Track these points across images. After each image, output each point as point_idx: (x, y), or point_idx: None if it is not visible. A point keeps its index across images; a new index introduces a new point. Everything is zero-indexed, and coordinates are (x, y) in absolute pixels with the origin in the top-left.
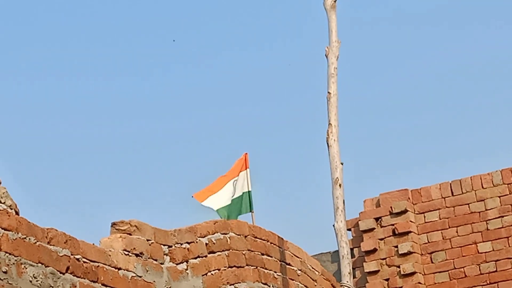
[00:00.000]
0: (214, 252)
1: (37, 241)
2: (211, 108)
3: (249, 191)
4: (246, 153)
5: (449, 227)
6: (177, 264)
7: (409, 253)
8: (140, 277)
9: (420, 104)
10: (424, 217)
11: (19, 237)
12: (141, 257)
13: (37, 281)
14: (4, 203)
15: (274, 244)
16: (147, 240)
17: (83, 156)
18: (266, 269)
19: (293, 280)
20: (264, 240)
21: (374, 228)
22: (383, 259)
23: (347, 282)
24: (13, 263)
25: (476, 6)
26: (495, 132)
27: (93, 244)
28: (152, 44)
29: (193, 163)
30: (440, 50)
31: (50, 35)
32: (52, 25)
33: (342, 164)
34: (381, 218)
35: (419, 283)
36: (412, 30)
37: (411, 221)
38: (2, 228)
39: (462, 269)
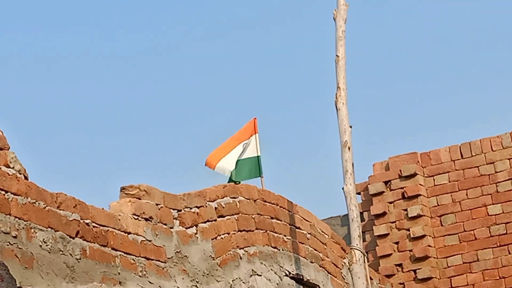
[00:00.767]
0: (223, 216)
1: (47, 206)
2: (220, 73)
3: (258, 156)
4: (255, 118)
5: (459, 190)
6: (186, 228)
7: (419, 216)
8: (150, 241)
9: (428, 67)
10: (434, 180)
11: (29, 202)
12: (151, 221)
13: (47, 245)
14: (13, 168)
15: (283, 208)
16: (157, 204)
17: (92, 122)
18: (275, 233)
19: (302, 243)
20: (273, 204)
21: (383, 192)
22: (392, 222)
23: (357, 245)
24: (23, 228)
25: None
26: (505, 95)
27: (103, 208)
28: (167, 4)
29: (202, 129)
30: (450, 11)
31: None
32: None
33: (351, 127)
34: (390, 181)
35: (429, 246)
36: None
37: (420, 184)
38: (12, 193)
39: (472, 231)
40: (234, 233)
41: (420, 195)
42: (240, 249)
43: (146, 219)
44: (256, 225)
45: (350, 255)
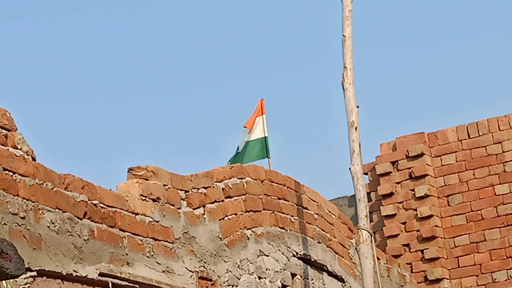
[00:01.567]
0: (230, 197)
1: (54, 187)
2: (226, 52)
3: (265, 137)
4: (262, 99)
5: (466, 170)
6: (194, 209)
7: (426, 196)
8: (157, 222)
9: (436, 47)
10: (441, 160)
11: (36, 183)
12: (158, 202)
13: (54, 226)
14: (20, 149)
15: (290, 189)
16: (164, 185)
17: (100, 102)
18: (283, 213)
19: (310, 224)
20: (280, 184)
21: (390, 172)
22: (399, 202)
23: (364, 225)
24: (31, 209)
25: None
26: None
27: (110, 189)
28: None
29: (208, 109)
30: None
31: None
32: None
33: (357, 107)
34: (397, 161)
35: (436, 226)
36: None
37: (427, 164)
38: (19, 174)
39: (479, 211)
40: (242, 214)
41: (427, 175)
42: (247, 229)
43: (154, 200)
44: (263, 206)
45: (357, 235)
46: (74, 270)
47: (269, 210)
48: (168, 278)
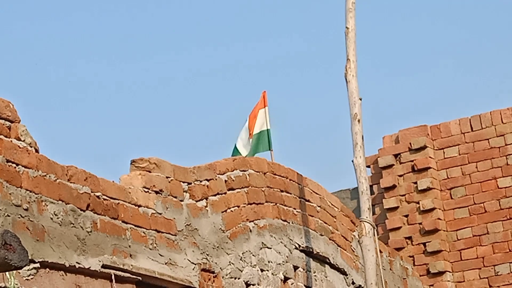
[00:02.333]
0: (233, 189)
1: (57, 179)
2: (229, 45)
3: (268, 129)
4: (265, 91)
5: (469, 163)
6: (196, 201)
7: (429, 189)
8: (160, 214)
9: (439, 39)
10: (444, 153)
11: (40, 175)
12: (161, 194)
13: (58, 218)
14: (24, 140)
15: (293, 181)
16: (167, 177)
17: (102, 95)
18: (285, 205)
19: (312, 216)
20: (283, 177)
21: (393, 165)
22: (402, 195)
23: (367, 217)
24: (34, 201)
25: None
26: None
27: (113, 181)
28: None
29: (211, 102)
30: None
31: None
32: None
33: (360, 99)
34: (400, 154)
35: (439, 219)
36: None
37: (430, 157)
38: (23, 166)
39: (482, 204)
40: (244, 206)
41: (430, 168)
42: (250, 222)
43: (157, 192)
44: (266, 198)
45: (360, 228)
46: (77, 262)
47: (271, 203)
48: (171, 270)
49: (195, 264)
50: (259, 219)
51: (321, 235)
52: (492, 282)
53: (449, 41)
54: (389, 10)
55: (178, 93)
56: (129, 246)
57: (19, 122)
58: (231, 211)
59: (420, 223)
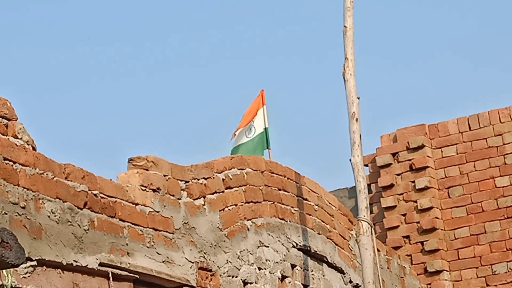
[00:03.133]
0: (231, 188)
1: (55, 177)
2: (228, 39)
3: (265, 128)
4: (263, 90)
5: (467, 162)
6: (194, 199)
7: (426, 188)
8: (158, 212)
9: (436, 38)
10: (441, 152)
11: (37, 173)
12: (158, 192)
13: (55, 216)
14: (21, 138)
15: (290, 180)
16: (164, 175)
17: (101, 92)
18: (283, 204)
19: (310, 215)
20: (280, 175)
21: (391, 164)
22: (400, 194)
23: (364, 216)
24: (31, 198)
25: None
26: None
27: (110, 179)
28: None
29: (209, 99)
30: None
31: None
32: None
33: (358, 98)
34: (398, 153)
35: (436, 218)
36: None
37: (428, 156)
38: (20, 164)
39: (480, 203)
40: (242, 205)
41: (427, 167)
42: (247, 220)
43: (154, 190)
44: (263, 197)
45: (358, 227)
46: (74, 260)
47: (269, 201)
48: (168, 268)
49: (193, 263)
50: (257, 218)
51: (319, 233)
52: (490, 281)
53: (448, 37)
54: (387, 9)
55: (176, 90)
56: (127, 244)
57: (16, 120)
58: (229, 209)
59: (418, 222)
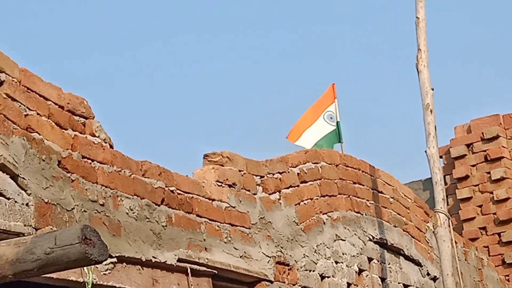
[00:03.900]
0: (306, 182)
1: (132, 174)
2: (298, 33)
3: (337, 122)
4: (333, 84)
5: None
6: (269, 194)
7: (502, 178)
8: (234, 207)
9: (509, 28)
10: None
11: (114, 170)
12: (234, 187)
13: (133, 213)
14: (98, 136)
15: (365, 173)
16: (239, 170)
17: (176, 89)
18: (358, 197)
19: (385, 208)
20: (355, 168)
21: (465, 155)
22: (475, 185)
23: (441, 208)
24: (110, 196)
25: None
26: None
27: (187, 175)
28: None
29: (281, 98)
30: None
31: None
32: None
33: (432, 89)
34: (472, 144)
35: None
36: None
37: (503, 146)
38: (98, 162)
39: None
40: (317, 199)
41: (503, 157)
42: (323, 214)
43: (230, 186)
44: (338, 190)
45: (434, 219)
46: (153, 256)
47: (344, 195)
48: (246, 263)
49: (270, 257)
50: (332, 211)
51: (395, 226)
52: None
53: None
54: None
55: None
56: (204, 240)
57: (93, 118)
58: (304, 203)
59: (494, 213)
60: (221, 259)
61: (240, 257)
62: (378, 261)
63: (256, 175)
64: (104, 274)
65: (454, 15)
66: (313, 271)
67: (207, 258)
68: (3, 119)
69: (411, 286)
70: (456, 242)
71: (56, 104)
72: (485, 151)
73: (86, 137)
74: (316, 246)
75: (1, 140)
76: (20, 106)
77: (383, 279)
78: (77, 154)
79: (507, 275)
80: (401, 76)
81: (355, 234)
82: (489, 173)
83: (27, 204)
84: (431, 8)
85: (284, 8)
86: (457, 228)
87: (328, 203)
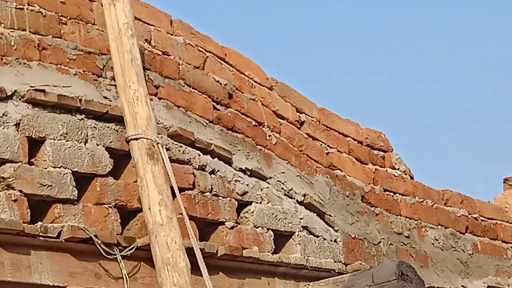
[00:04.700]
0: None
1: (434, 203)
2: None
3: None
4: None
5: None
6: None
7: None
8: None
9: None
10: None
11: (416, 201)
12: None
13: (438, 243)
14: (398, 169)
15: None
16: None
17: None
18: None
19: None
20: None
21: None
22: None
23: None
24: (414, 227)
25: None
26: None
27: (489, 201)
28: None
29: None
30: None
31: None
32: None
33: None
34: None
35: None
36: None
37: None
38: (399, 194)
39: None
40: None
41: None
42: None
43: None
44: None
45: None
46: (462, 285)
47: None
48: None
49: None
50: None
51: None
52: None
53: None
54: None
55: None
56: (511, 266)
57: (392, 151)
58: None
59: None
60: None
61: None
62: None
63: None
64: None
65: None
66: None
67: None
68: (306, 159)
69: None
70: None
71: (355, 139)
72: None
73: (386, 170)
74: None
75: (306, 179)
76: (321, 144)
77: None
78: (379, 188)
79: None
80: None
81: None
82: None
83: (335, 241)
84: None
85: None
86: None
87: None
